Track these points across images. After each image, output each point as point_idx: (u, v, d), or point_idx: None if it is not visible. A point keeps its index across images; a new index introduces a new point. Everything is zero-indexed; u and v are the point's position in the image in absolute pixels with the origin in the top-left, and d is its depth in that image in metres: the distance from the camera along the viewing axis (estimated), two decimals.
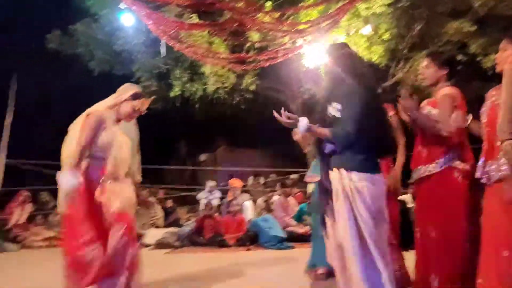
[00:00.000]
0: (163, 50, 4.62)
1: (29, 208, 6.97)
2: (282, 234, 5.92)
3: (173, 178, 13.93)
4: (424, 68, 2.65)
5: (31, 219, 6.95)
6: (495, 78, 2.34)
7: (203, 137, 14.41)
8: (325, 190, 2.24)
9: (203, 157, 15.59)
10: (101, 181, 2.51)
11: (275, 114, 2.18)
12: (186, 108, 9.38)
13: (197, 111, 10.05)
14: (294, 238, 6.03)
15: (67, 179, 2.40)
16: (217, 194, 8.76)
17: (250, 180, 10.55)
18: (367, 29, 5.96)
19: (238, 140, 14.09)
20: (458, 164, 2.46)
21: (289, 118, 2.16)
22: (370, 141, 2.15)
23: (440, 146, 2.48)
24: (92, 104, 2.80)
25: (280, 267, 4.29)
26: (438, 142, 2.49)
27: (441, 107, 2.49)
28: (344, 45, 2.42)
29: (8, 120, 5.70)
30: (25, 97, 5.99)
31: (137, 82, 8.00)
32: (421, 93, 4.60)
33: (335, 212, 2.13)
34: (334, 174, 2.17)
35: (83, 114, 2.63)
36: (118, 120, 2.75)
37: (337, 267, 2.16)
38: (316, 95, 8.25)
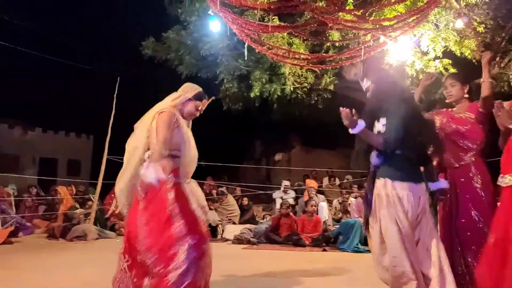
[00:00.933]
0: (247, 52, 4.79)
1: None
2: (361, 240, 5.81)
3: (248, 176, 14.30)
4: None
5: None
6: None
7: (279, 137, 14.56)
8: (366, 197, 2.68)
9: (277, 156, 15.73)
10: (174, 180, 2.47)
11: (341, 109, 2.50)
12: (264, 108, 9.57)
13: (275, 111, 10.17)
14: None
15: (151, 173, 2.35)
16: (292, 193, 8.82)
17: (325, 181, 10.43)
18: (460, 23, 5.49)
19: (313, 141, 13.95)
20: None
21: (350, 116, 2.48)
22: (412, 153, 2.52)
23: None
24: None
25: (357, 270, 4.19)
26: None
27: None
28: (383, 68, 2.89)
29: (111, 121, 6.36)
30: (123, 100, 6.65)
31: (220, 83, 8.39)
32: None
33: (379, 215, 2.52)
34: (380, 182, 2.55)
35: (153, 112, 2.60)
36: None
37: (376, 259, 2.62)
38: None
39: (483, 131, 2.89)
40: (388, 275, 2.53)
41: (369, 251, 5.58)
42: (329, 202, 8.24)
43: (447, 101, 3.08)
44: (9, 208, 6.90)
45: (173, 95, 2.73)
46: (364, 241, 5.85)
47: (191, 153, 2.66)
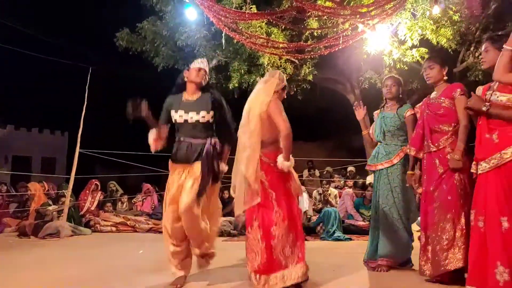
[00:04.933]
0: (225, 43, 4.67)
1: (99, 195, 7.48)
2: (340, 229, 5.84)
3: (228, 169, 14.20)
4: (484, 52, 2.61)
5: (101, 206, 7.45)
6: None
7: None
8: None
9: None
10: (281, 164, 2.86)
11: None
12: (243, 100, 9.45)
13: None
14: (352, 231, 5.95)
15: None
16: None
17: (305, 172, 10.45)
18: (436, 10, 5.55)
19: (293, 132, 13.98)
20: None
21: None
22: None
23: None
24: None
25: (338, 257, 4.21)
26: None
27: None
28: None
29: (83, 113, 6.13)
30: (96, 92, 6.41)
31: None
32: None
33: None
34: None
35: (260, 101, 2.87)
36: None
37: None
38: (377, 85, 7.91)
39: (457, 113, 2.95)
40: None
41: (349, 239, 5.62)
42: (310, 193, 8.24)
43: (427, 82, 3.16)
44: None
45: (274, 82, 2.91)
46: (344, 230, 5.89)
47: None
